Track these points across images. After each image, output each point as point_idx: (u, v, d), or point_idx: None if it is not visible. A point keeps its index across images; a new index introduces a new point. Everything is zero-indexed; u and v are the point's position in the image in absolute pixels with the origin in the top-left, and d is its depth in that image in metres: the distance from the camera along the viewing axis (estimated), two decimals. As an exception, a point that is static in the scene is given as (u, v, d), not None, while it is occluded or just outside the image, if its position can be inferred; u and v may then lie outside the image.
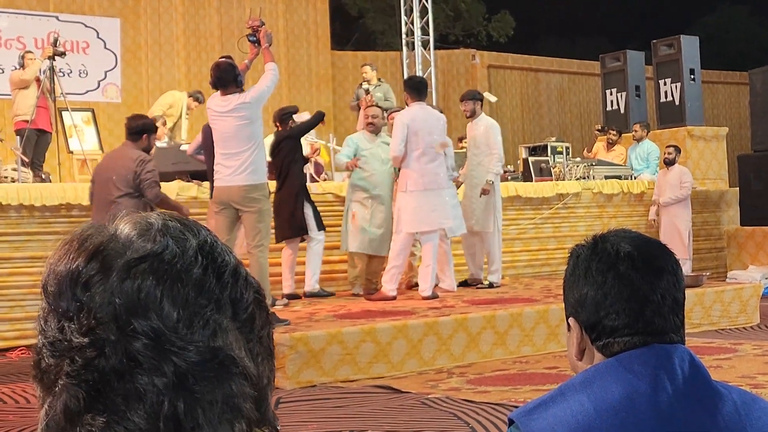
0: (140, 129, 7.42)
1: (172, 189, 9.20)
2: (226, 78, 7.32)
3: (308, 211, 8.92)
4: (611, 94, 15.65)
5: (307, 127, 9.26)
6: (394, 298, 8.43)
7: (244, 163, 7.28)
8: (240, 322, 0.88)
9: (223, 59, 7.61)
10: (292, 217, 8.75)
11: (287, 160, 8.82)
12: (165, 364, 0.82)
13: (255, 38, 7.74)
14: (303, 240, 9.00)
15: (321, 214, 9.06)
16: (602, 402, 1.50)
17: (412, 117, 8.47)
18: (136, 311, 0.83)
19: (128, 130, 7.48)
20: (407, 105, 8.75)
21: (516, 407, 4.98)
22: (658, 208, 12.10)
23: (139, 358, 0.82)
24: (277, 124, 9.21)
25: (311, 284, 9.10)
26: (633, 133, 13.74)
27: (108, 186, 7.18)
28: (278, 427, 0.92)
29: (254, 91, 7.37)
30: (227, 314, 0.87)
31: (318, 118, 9.26)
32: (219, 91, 7.40)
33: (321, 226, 9.02)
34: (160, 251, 0.86)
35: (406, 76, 17.13)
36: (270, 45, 7.73)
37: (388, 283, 8.50)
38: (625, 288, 1.62)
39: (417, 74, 15.21)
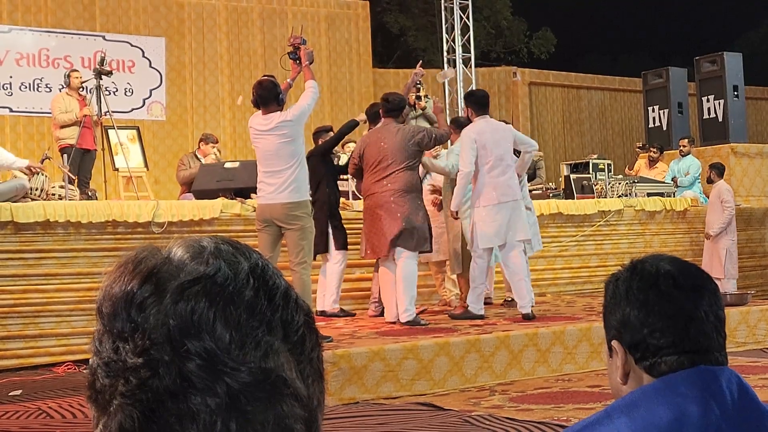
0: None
1: (215, 206, 9.31)
2: (268, 96, 7.37)
3: (330, 229, 8.89)
4: (653, 111, 15.57)
5: (333, 141, 9.23)
6: (482, 317, 8.31)
7: (286, 181, 7.32)
8: (291, 344, 0.89)
9: (266, 78, 7.66)
10: (320, 235, 8.77)
11: (314, 178, 8.81)
12: (218, 384, 0.83)
13: (296, 56, 7.80)
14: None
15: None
16: (650, 425, 1.50)
17: (479, 131, 8.38)
18: (189, 332, 0.84)
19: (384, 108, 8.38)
20: (470, 120, 8.67)
21: (560, 426, 4.94)
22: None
23: (192, 378, 0.83)
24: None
25: (330, 303, 8.92)
26: (681, 148, 13.65)
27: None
28: None
29: (295, 108, 7.41)
30: (278, 336, 0.88)
31: (344, 130, 9.18)
32: (261, 110, 7.47)
33: (343, 246, 8.92)
34: (213, 273, 0.87)
35: (448, 93, 17.23)
36: (311, 63, 7.76)
37: (476, 303, 8.37)
38: (668, 305, 1.62)
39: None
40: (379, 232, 8.07)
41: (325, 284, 9.02)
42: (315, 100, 7.55)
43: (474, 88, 14.52)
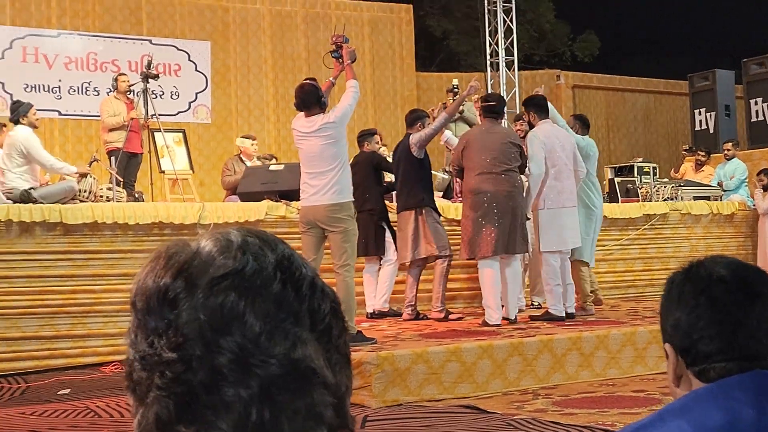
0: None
1: (260, 208, 9.38)
2: (310, 100, 7.41)
3: (388, 235, 9.09)
4: (700, 113, 15.44)
5: (387, 166, 9.34)
6: (562, 318, 8.36)
7: (329, 183, 7.34)
8: (318, 333, 0.92)
9: (307, 81, 7.71)
10: (375, 239, 8.92)
11: (363, 182, 8.91)
12: (249, 376, 0.86)
13: (338, 54, 7.83)
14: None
15: None
16: (703, 429, 1.49)
17: (546, 134, 8.48)
18: (220, 327, 0.87)
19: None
20: (533, 124, 8.72)
21: (605, 430, 4.91)
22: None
23: (224, 371, 0.86)
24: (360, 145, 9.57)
25: (380, 303, 9.18)
26: (725, 152, 13.52)
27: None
28: (355, 431, 0.96)
29: (338, 110, 7.43)
30: (306, 326, 0.91)
31: (389, 167, 9.35)
32: (303, 113, 7.51)
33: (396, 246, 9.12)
34: (241, 268, 0.90)
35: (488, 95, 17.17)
36: (353, 62, 7.78)
37: (556, 304, 8.44)
38: (717, 311, 1.61)
39: (502, 95, 15.19)
40: (493, 232, 8.11)
41: (372, 286, 9.20)
42: (356, 99, 7.58)
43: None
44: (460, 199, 9.16)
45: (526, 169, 8.39)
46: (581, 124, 9.47)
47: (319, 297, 0.94)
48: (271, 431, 0.87)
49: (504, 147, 8.21)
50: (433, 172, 9.51)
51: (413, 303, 8.90)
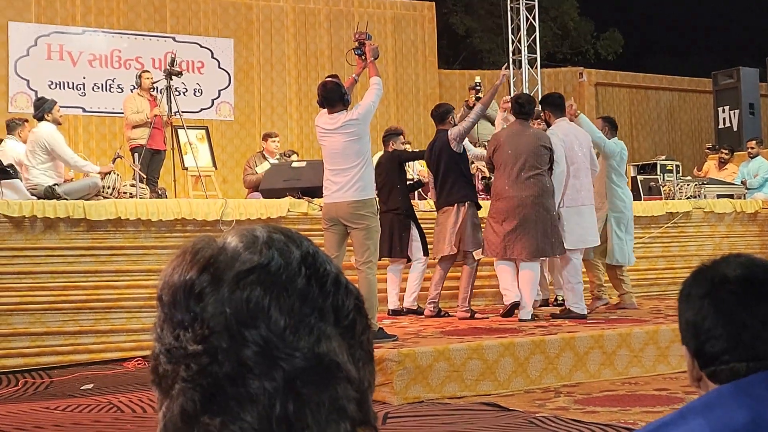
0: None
1: (282, 205, 9.40)
2: (332, 97, 7.42)
3: (416, 234, 9.09)
4: (723, 111, 15.37)
5: (414, 157, 9.34)
6: (584, 316, 8.39)
7: (351, 180, 7.34)
8: (342, 328, 0.93)
9: (329, 79, 7.71)
10: (399, 240, 8.96)
11: (389, 181, 8.99)
12: (274, 369, 0.88)
13: (361, 51, 7.84)
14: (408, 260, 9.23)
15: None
16: (725, 427, 1.48)
17: (565, 132, 8.53)
18: (245, 321, 0.88)
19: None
20: (549, 122, 8.77)
21: (627, 429, 4.90)
22: None
23: (249, 364, 0.87)
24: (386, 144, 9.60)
25: (410, 301, 9.25)
26: (749, 150, 13.44)
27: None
28: (377, 426, 0.97)
29: (361, 107, 7.44)
30: (330, 321, 0.92)
31: (421, 156, 9.35)
32: (326, 110, 7.53)
33: (426, 252, 9.16)
34: (267, 263, 0.91)
35: (513, 95, 17.14)
36: (376, 59, 7.79)
37: (579, 302, 8.47)
38: (720, 313, 1.60)
39: (525, 92, 15.16)
40: (519, 234, 8.14)
41: (395, 284, 9.28)
42: (379, 96, 7.58)
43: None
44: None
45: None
46: (610, 126, 9.52)
47: (344, 293, 0.95)
48: (295, 424, 0.88)
49: (535, 150, 8.21)
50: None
51: (436, 300, 8.92)
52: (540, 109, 9.14)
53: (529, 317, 8.24)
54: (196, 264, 0.92)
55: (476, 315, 8.77)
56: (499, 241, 8.23)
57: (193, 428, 0.88)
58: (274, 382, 0.88)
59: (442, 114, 9.02)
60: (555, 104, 8.76)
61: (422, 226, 9.29)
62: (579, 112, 9.14)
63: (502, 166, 8.28)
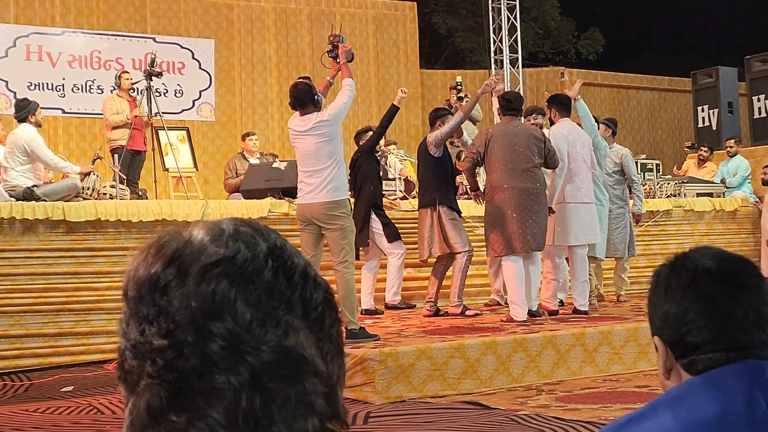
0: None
1: (263, 205, 9.38)
2: (303, 99, 7.39)
3: (376, 225, 9.06)
4: (703, 110, 15.44)
5: (379, 132, 9.31)
6: (556, 312, 8.55)
7: (324, 181, 7.34)
8: (310, 321, 0.92)
9: (300, 80, 7.69)
10: (360, 231, 8.92)
11: (360, 176, 9.06)
12: (240, 364, 0.86)
13: (335, 54, 7.85)
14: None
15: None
16: (695, 419, 1.48)
17: (568, 130, 8.69)
18: (211, 314, 0.87)
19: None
20: (553, 120, 8.91)
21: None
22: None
23: (215, 358, 0.86)
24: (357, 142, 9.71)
25: (390, 296, 9.29)
26: (728, 149, 13.51)
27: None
28: (348, 421, 0.96)
29: (332, 108, 7.42)
30: (298, 314, 0.91)
31: (388, 118, 8.97)
32: (298, 111, 7.51)
33: (397, 237, 9.12)
34: (233, 256, 0.90)
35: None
36: (350, 61, 7.79)
37: (553, 298, 8.68)
38: (704, 303, 1.60)
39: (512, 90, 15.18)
40: (517, 229, 8.13)
41: (369, 282, 9.25)
42: (351, 98, 7.56)
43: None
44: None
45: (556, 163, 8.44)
46: (612, 130, 9.82)
47: (312, 286, 0.94)
48: (262, 419, 0.87)
49: (529, 143, 8.25)
50: None
51: (433, 299, 8.87)
52: (529, 107, 9.29)
53: (519, 318, 8.13)
54: (162, 257, 0.91)
55: (467, 312, 8.72)
56: (505, 237, 8.19)
57: (160, 425, 0.87)
58: (241, 376, 0.86)
59: (431, 119, 9.15)
60: (562, 104, 8.91)
61: (406, 227, 9.32)
62: (579, 96, 9.20)
63: (497, 160, 8.27)
